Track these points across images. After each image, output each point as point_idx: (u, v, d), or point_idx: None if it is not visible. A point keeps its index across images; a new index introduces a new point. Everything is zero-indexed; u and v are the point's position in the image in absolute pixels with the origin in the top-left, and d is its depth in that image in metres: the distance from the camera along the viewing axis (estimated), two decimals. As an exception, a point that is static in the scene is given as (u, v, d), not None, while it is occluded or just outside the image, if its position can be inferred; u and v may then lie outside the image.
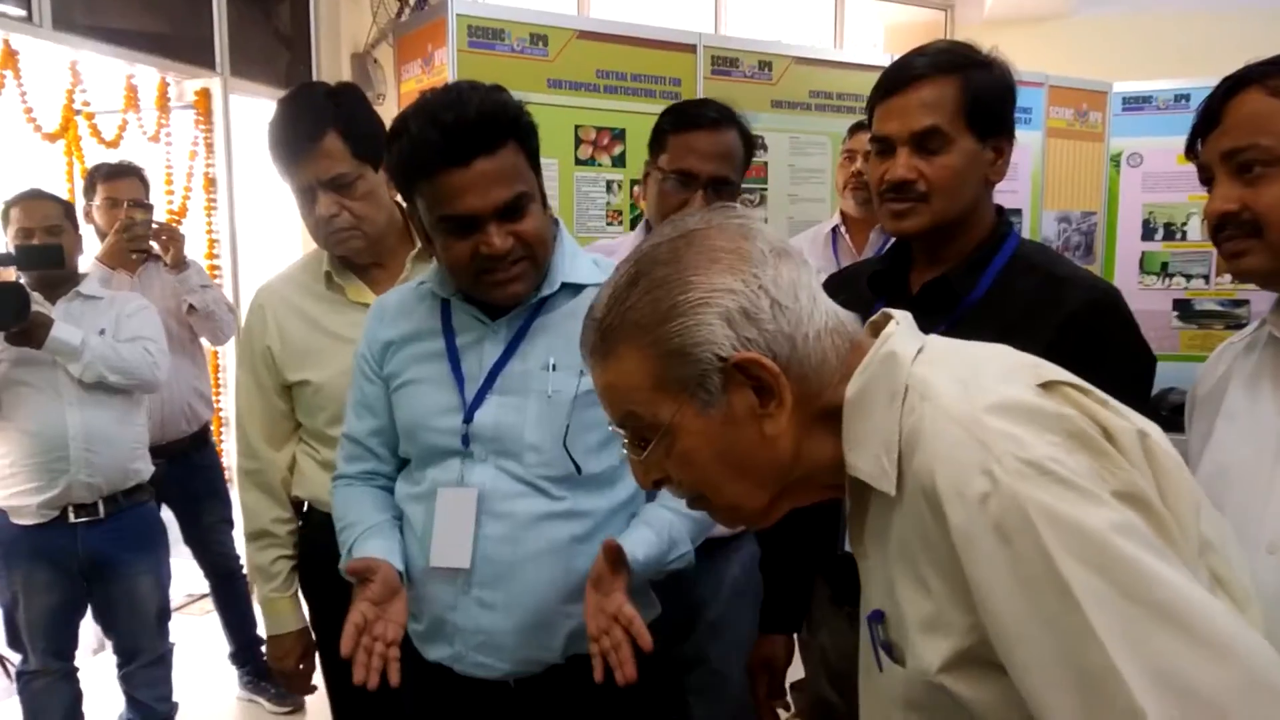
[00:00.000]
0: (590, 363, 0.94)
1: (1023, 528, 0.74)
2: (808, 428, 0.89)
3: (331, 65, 4.80)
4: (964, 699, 0.81)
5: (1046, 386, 0.82)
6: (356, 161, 1.76)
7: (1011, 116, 1.47)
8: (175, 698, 2.96)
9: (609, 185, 3.60)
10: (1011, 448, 0.76)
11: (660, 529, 1.47)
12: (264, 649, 2.01)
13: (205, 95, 4.26)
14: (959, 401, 0.81)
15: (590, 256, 1.60)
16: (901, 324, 0.93)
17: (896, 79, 1.44)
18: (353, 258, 1.84)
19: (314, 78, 4.65)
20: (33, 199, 2.70)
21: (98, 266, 3.20)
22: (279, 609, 1.92)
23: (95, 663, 3.49)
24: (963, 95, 1.40)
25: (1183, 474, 0.82)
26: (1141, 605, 0.71)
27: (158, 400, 3.26)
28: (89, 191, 3.34)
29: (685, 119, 1.91)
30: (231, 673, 3.68)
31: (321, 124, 1.73)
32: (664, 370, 0.87)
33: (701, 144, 1.87)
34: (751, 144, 1.96)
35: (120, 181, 3.30)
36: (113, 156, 3.89)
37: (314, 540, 1.89)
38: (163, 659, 2.90)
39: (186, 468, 3.38)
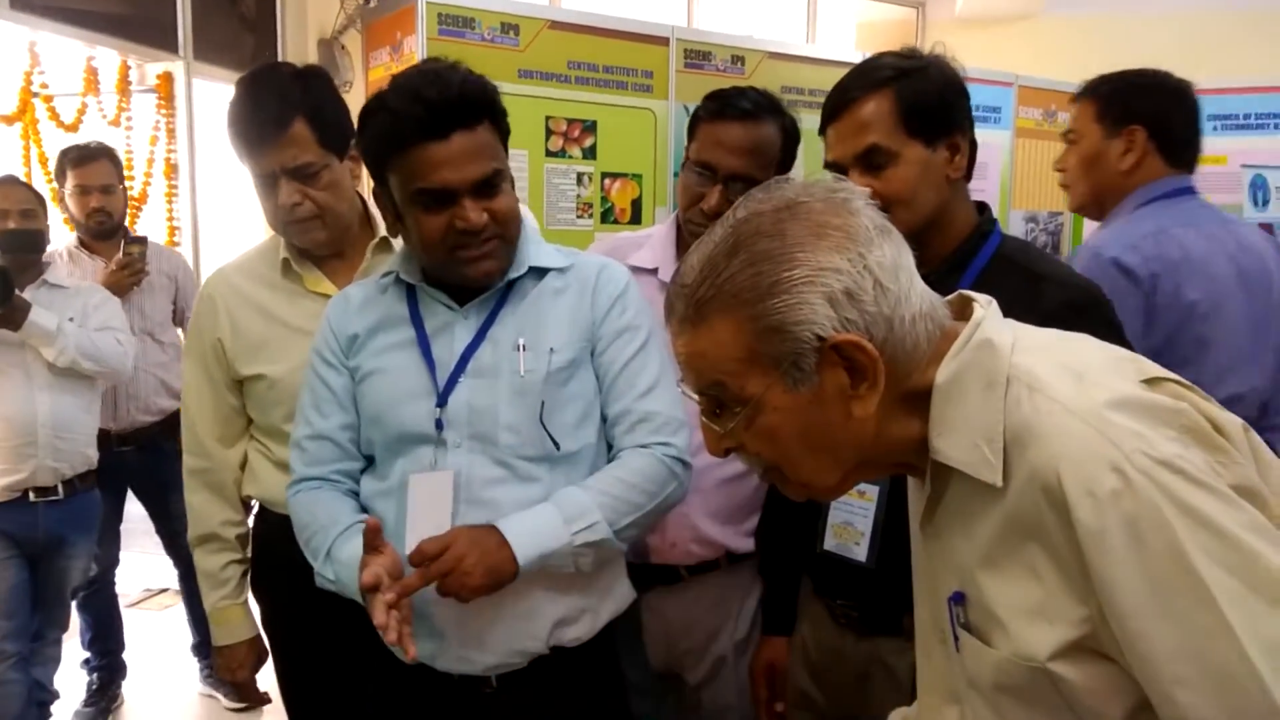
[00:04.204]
0: (676, 330, 0.92)
1: (1157, 526, 0.75)
2: (891, 409, 0.88)
3: (298, 51, 4.72)
4: (1071, 684, 0.82)
5: (1151, 382, 0.83)
6: (323, 150, 1.69)
7: (960, 112, 1.46)
8: (132, 692, 2.91)
9: (579, 177, 3.57)
10: (1140, 445, 0.76)
11: (559, 502, 1.42)
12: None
13: (167, 79, 4.18)
14: (1077, 396, 0.81)
15: (552, 245, 1.60)
16: (989, 308, 0.92)
17: (835, 105, 1.46)
18: (313, 249, 1.78)
19: (280, 63, 4.57)
20: (7, 184, 2.79)
21: (73, 253, 3.25)
22: (230, 618, 1.83)
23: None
24: (897, 106, 1.41)
25: None
26: (1277, 605, 0.73)
27: (124, 387, 3.21)
28: (59, 177, 3.28)
29: (716, 108, 1.81)
30: (188, 670, 3.62)
31: (289, 110, 1.66)
32: (758, 345, 0.86)
33: (728, 136, 1.77)
34: (794, 137, 1.86)
35: (90, 167, 3.22)
36: (71, 140, 3.80)
37: (267, 542, 1.83)
38: (60, 641, 2.90)
39: (155, 456, 3.32)
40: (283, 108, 1.66)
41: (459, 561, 1.32)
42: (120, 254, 3.22)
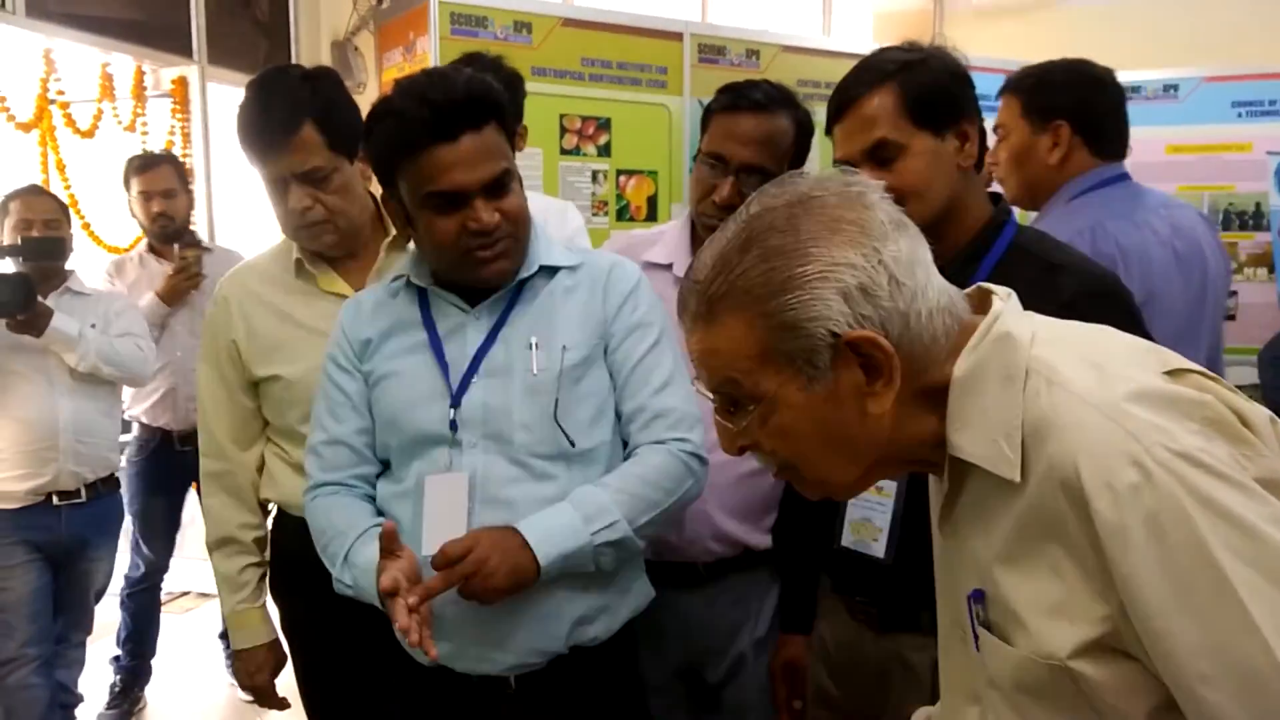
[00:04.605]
0: (689, 327, 0.90)
1: (1178, 521, 0.73)
2: (908, 405, 0.87)
3: (311, 53, 4.73)
4: (1092, 682, 0.81)
5: (1173, 374, 0.81)
6: (333, 154, 1.68)
7: (966, 100, 1.45)
8: (154, 695, 2.92)
9: (594, 175, 3.57)
10: (1161, 438, 0.75)
11: (577, 502, 1.42)
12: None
13: (182, 84, 4.20)
14: (1096, 389, 0.79)
15: (561, 243, 1.59)
16: (1009, 301, 0.90)
17: (839, 103, 1.45)
18: (324, 252, 1.77)
19: (294, 66, 4.59)
20: (32, 194, 2.86)
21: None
22: (248, 621, 1.83)
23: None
24: (902, 99, 1.40)
25: None
26: None
27: (184, 388, 3.25)
28: (125, 184, 3.42)
29: (728, 100, 1.81)
30: (208, 674, 3.67)
31: (298, 114, 1.65)
32: (772, 342, 0.84)
33: (740, 128, 1.77)
34: (808, 130, 1.84)
35: (152, 172, 3.35)
36: (88, 146, 3.87)
37: (286, 545, 1.82)
38: (84, 644, 2.93)
39: None
40: (291, 112, 1.65)
41: (481, 564, 1.32)
42: (176, 258, 3.29)
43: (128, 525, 3.21)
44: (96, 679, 3.05)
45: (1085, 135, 2.02)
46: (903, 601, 1.46)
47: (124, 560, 3.47)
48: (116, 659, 3.42)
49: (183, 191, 3.42)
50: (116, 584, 3.44)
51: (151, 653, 3.45)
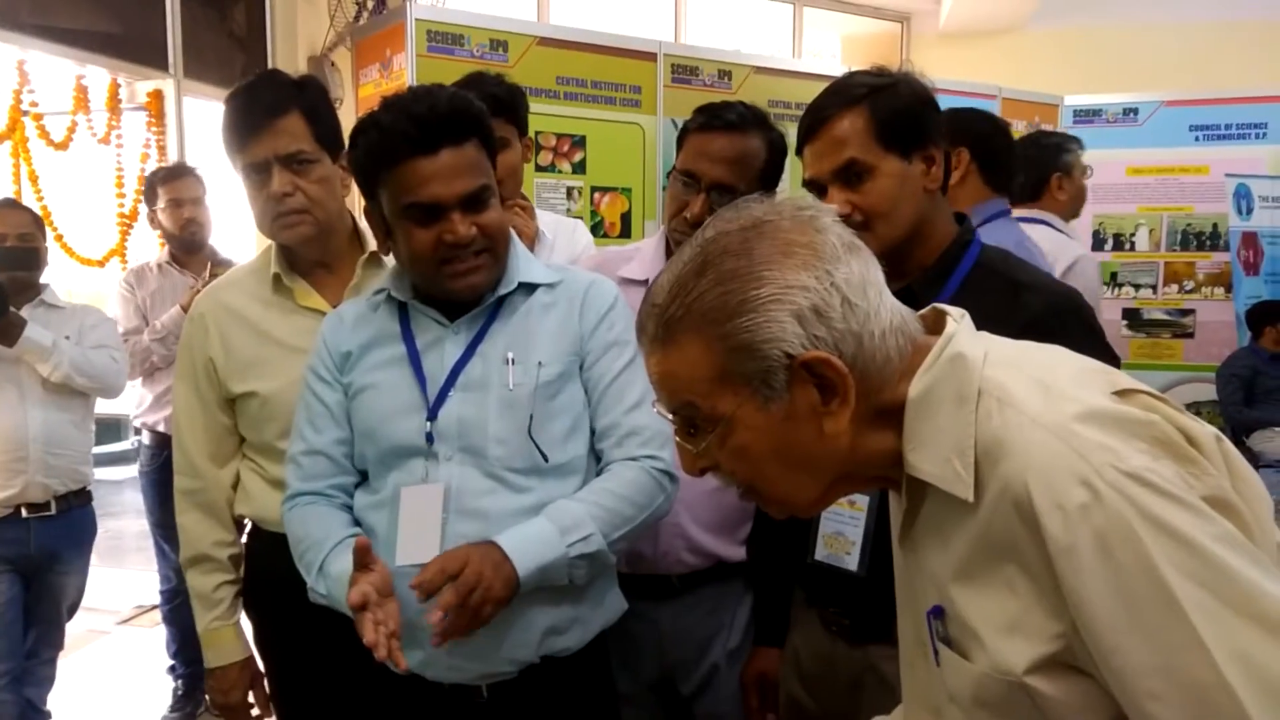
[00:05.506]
0: (647, 350, 0.92)
1: (1126, 540, 0.74)
2: (864, 424, 0.88)
3: (287, 68, 4.71)
4: (1048, 698, 0.82)
5: (1122, 394, 0.82)
6: (316, 145, 1.70)
7: (933, 124, 1.49)
8: (115, 708, 2.91)
9: (569, 192, 3.60)
10: (1109, 458, 0.76)
11: (553, 515, 1.45)
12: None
13: (157, 97, 4.19)
14: (1046, 410, 0.80)
15: (565, 261, 1.61)
16: (962, 322, 0.92)
17: (810, 124, 1.48)
18: (300, 249, 1.77)
19: (269, 80, 4.59)
20: (5, 207, 2.86)
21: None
22: (222, 639, 1.81)
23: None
24: (872, 121, 1.43)
25: (1255, 477, 0.82)
26: (1248, 618, 0.72)
27: None
28: (150, 197, 3.45)
29: (703, 119, 1.84)
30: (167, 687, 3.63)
31: (286, 102, 1.68)
32: (728, 364, 0.86)
33: (713, 146, 1.80)
34: (780, 151, 1.88)
35: (180, 181, 3.40)
36: (61, 158, 3.86)
37: (260, 560, 1.82)
38: (55, 660, 2.92)
39: None
40: (279, 99, 1.68)
41: (480, 577, 1.33)
42: (206, 274, 3.29)
43: (136, 539, 3.19)
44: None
45: (981, 164, 2.38)
46: (876, 613, 1.47)
47: (151, 580, 3.47)
48: (172, 668, 3.46)
49: (205, 202, 3.46)
50: (126, 599, 3.40)
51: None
